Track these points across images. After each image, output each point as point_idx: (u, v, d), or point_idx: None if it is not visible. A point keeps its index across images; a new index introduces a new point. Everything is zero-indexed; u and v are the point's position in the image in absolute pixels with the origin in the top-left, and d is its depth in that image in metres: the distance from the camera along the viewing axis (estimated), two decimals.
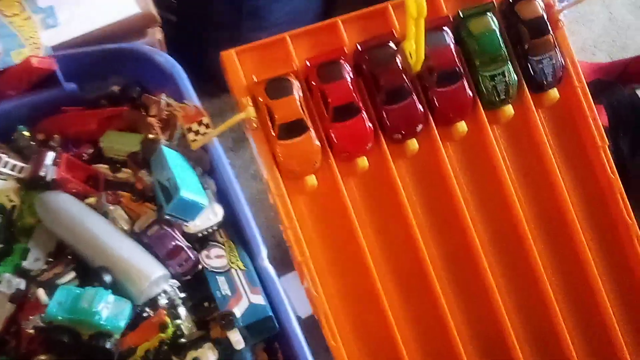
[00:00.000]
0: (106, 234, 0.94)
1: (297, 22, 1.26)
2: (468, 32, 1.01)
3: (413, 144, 1.01)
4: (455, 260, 1.03)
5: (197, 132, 0.97)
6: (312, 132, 0.98)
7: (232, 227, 0.99)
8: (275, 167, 0.98)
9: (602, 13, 1.83)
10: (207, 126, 0.97)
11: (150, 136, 1.03)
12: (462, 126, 1.02)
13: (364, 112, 0.99)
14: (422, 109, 1.01)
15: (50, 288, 0.89)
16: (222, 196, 0.99)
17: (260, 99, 0.98)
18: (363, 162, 1.00)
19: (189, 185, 0.93)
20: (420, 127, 1.01)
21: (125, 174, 1.03)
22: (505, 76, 1.01)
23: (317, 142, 0.98)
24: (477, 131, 1.03)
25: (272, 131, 0.97)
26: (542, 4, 1.03)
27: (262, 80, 0.98)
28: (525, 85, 1.04)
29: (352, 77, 0.99)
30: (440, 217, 1.03)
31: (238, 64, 0.98)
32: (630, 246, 1.04)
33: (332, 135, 0.99)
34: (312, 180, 0.98)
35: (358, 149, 0.99)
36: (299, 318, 0.98)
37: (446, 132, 1.03)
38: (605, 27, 1.83)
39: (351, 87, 0.98)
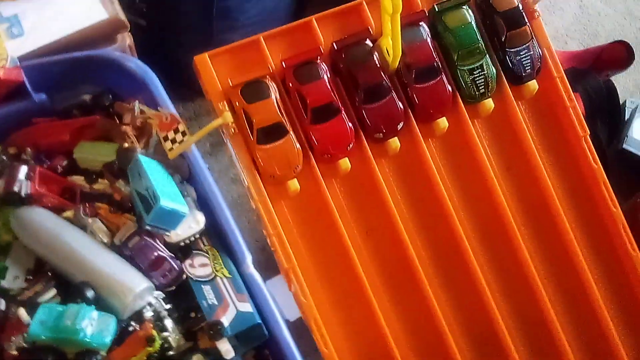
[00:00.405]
0: (86, 248, 0.92)
1: (270, 21, 1.24)
2: (444, 27, 0.99)
3: (395, 142, 0.99)
4: (443, 258, 1.01)
5: (173, 141, 0.94)
6: (292, 135, 0.96)
7: (214, 234, 0.96)
8: (256, 172, 0.95)
9: (572, 1, 1.83)
10: (183, 134, 0.94)
11: (126, 145, 1.00)
12: (443, 122, 1.00)
13: (344, 112, 0.97)
14: (402, 107, 0.98)
15: (32, 307, 0.86)
16: (203, 203, 0.96)
17: (236, 103, 0.95)
18: (345, 163, 0.97)
19: (168, 193, 0.91)
20: (401, 125, 0.99)
21: (101, 184, 0.99)
22: (484, 69, 1.00)
23: (298, 145, 0.96)
24: (459, 126, 1.01)
25: (250, 136, 0.94)
26: None
27: (237, 84, 0.95)
28: (504, 78, 1.02)
29: (329, 76, 0.97)
30: (426, 215, 1.01)
31: (212, 68, 0.95)
32: (616, 235, 1.03)
33: (313, 137, 0.96)
34: (294, 184, 0.96)
35: (339, 150, 0.97)
36: (287, 321, 0.96)
37: (427, 129, 1.01)
38: (576, 15, 1.83)
39: (329, 87, 0.96)
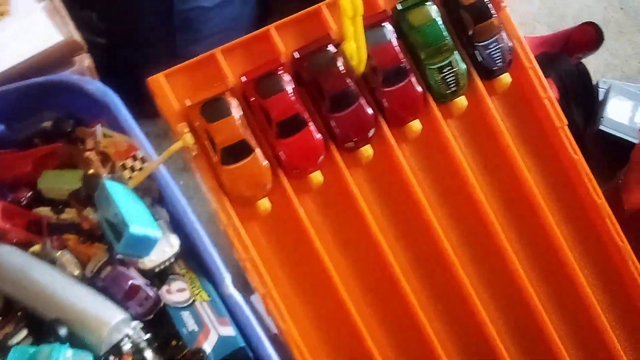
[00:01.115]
0: (56, 283, 0.85)
1: (235, 30, 1.17)
2: (409, 25, 0.92)
3: (367, 150, 0.92)
4: (425, 264, 0.95)
5: (132, 168, 0.87)
6: (259, 152, 0.89)
7: (190, 256, 0.89)
8: (222, 194, 0.88)
9: None
10: (142, 160, 0.86)
11: (91, 171, 0.92)
12: (415, 125, 0.93)
13: (312, 124, 0.90)
14: (371, 113, 0.92)
15: (3, 350, 0.80)
16: (176, 224, 0.89)
17: (197, 123, 0.88)
18: (317, 176, 0.90)
19: (138, 218, 0.84)
20: (372, 131, 0.92)
21: (69, 214, 0.92)
22: (453, 66, 0.93)
23: (266, 162, 0.89)
24: (432, 127, 0.95)
25: (214, 157, 0.87)
26: None
27: (196, 103, 0.87)
28: (475, 74, 0.96)
29: (293, 87, 0.90)
30: (405, 223, 0.94)
31: (168, 89, 0.88)
32: (602, 226, 0.98)
33: (280, 152, 0.89)
34: (264, 203, 0.89)
35: (309, 164, 0.90)
36: (275, 335, 0.90)
37: (400, 133, 0.94)
38: (542, 0, 1.78)
39: (293, 98, 0.89)
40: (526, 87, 0.97)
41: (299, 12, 0.93)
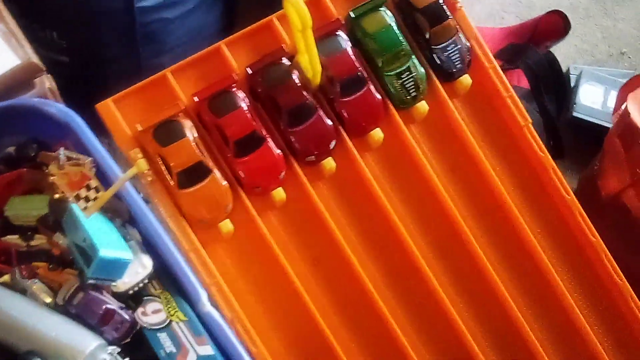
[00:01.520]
0: (27, 313, 0.81)
1: (200, 40, 1.13)
2: (363, 32, 0.89)
3: (329, 163, 0.88)
4: (398, 278, 0.92)
5: (87, 199, 0.83)
6: (217, 173, 0.85)
7: (165, 276, 0.86)
8: (182, 219, 0.85)
9: None
10: (97, 190, 0.83)
11: (57, 196, 0.89)
12: (377, 134, 0.90)
13: (270, 140, 0.87)
14: (331, 124, 0.88)
15: None
16: (149, 244, 0.86)
17: (150, 148, 0.84)
18: (279, 194, 0.87)
19: (108, 241, 0.81)
20: (333, 143, 0.89)
21: (39, 240, 0.89)
22: (412, 72, 0.90)
23: (225, 183, 0.85)
24: (394, 135, 0.91)
25: (170, 181, 0.84)
26: None
27: (148, 128, 0.84)
28: (434, 77, 0.93)
29: (248, 104, 0.86)
30: (373, 233, 0.91)
31: (118, 114, 0.85)
32: (573, 222, 0.95)
33: (239, 171, 0.86)
34: (227, 225, 0.86)
35: (271, 181, 0.87)
36: None
37: (362, 143, 0.91)
38: None
39: (249, 115, 0.85)
40: (487, 87, 0.94)
41: (251, 26, 0.90)
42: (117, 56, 1.29)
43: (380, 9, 0.90)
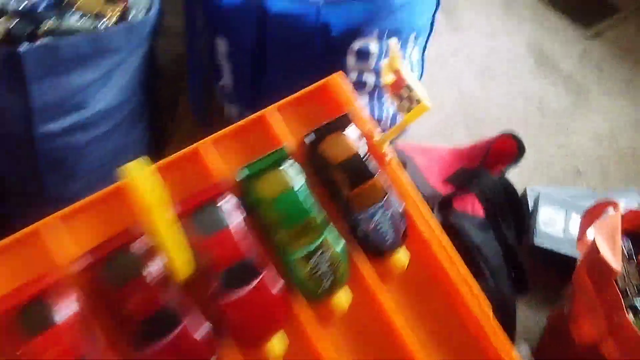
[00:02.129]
0: None
1: (122, 159, 0.83)
2: (258, 199, 0.60)
3: None
4: None
5: None
6: None
7: None
8: None
9: (450, 90, 1.50)
10: None
11: None
12: (276, 346, 0.57)
13: None
14: (205, 336, 0.56)
15: None
16: None
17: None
18: None
19: None
20: None
21: None
22: (325, 250, 0.59)
23: None
24: (301, 341, 0.59)
25: None
26: (355, 136, 0.63)
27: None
28: (360, 254, 0.62)
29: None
30: None
31: None
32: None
33: None
34: None
35: None
36: None
37: (255, 355, 0.58)
38: (458, 103, 1.50)
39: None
40: (431, 263, 0.64)
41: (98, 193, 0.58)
42: (19, 187, 0.98)
43: (282, 165, 0.61)
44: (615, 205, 1.01)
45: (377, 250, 0.62)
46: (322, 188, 0.62)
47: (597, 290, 0.97)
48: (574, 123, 1.54)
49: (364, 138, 0.64)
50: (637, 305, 0.87)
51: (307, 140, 0.63)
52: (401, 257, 0.62)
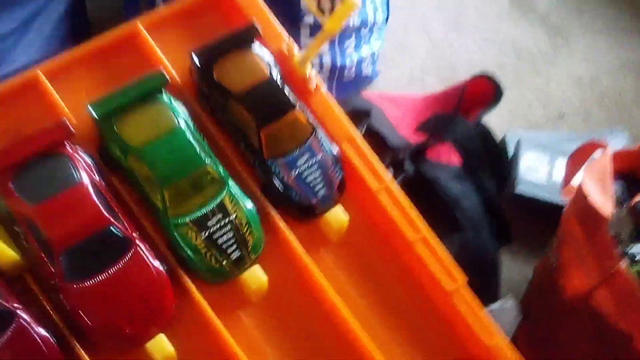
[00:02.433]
0: None
1: None
2: (123, 146, 0.38)
3: None
4: None
5: None
6: None
7: None
8: None
9: (421, 38, 1.29)
10: None
11: None
12: (155, 351, 0.36)
13: None
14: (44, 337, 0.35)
15: None
16: None
17: None
18: None
19: None
20: None
21: None
22: (226, 214, 0.39)
23: None
24: (205, 336, 0.39)
25: None
26: (265, 56, 0.42)
27: None
28: (277, 213, 0.41)
29: None
30: None
31: None
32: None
33: None
34: None
35: None
36: None
37: None
38: (428, 51, 1.29)
39: None
40: (382, 225, 0.44)
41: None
42: None
43: (157, 95, 0.39)
44: (603, 146, 0.85)
45: (303, 209, 0.41)
46: (220, 128, 0.40)
47: (587, 238, 0.80)
48: (554, 66, 1.33)
49: (278, 58, 0.42)
50: (632, 252, 0.72)
51: (196, 60, 0.41)
52: (337, 216, 0.41)
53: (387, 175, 0.42)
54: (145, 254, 0.36)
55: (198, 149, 0.38)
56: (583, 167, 0.80)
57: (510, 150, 1.12)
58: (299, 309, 0.40)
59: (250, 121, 0.40)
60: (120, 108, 0.38)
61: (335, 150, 0.42)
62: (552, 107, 1.26)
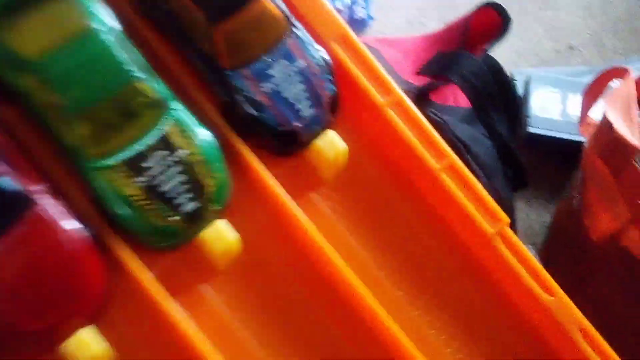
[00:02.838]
0: None
1: None
2: (8, 57, 0.23)
3: None
4: None
5: None
6: None
7: None
8: None
9: None
10: None
11: None
12: (76, 348, 0.23)
13: None
14: None
15: None
16: None
17: None
18: None
19: None
20: None
21: None
22: (172, 150, 0.24)
23: None
24: (148, 320, 0.25)
25: None
26: None
27: None
28: (243, 149, 0.27)
29: None
30: None
31: None
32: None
33: None
34: None
35: None
36: None
37: None
38: None
39: None
40: (392, 153, 0.30)
41: None
42: None
43: None
44: (624, 72, 0.70)
45: (281, 137, 0.27)
46: (158, 31, 0.27)
47: (614, 174, 0.68)
48: None
49: None
50: None
51: None
52: (330, 145, 0.27)
53: (394, 86, 0.29)
54: (53, 214, 0.23)
55: (125, 59, 0.25)
56: (602, 98, 0.67)
57: (520, 89, 0.97)
58: (284, 276, 0.26)
59: (199, 17, 0.26)
60: (3, 4, 0.24)
61: (323, 54, 0.28)
62: (562, 40, 1.10)
